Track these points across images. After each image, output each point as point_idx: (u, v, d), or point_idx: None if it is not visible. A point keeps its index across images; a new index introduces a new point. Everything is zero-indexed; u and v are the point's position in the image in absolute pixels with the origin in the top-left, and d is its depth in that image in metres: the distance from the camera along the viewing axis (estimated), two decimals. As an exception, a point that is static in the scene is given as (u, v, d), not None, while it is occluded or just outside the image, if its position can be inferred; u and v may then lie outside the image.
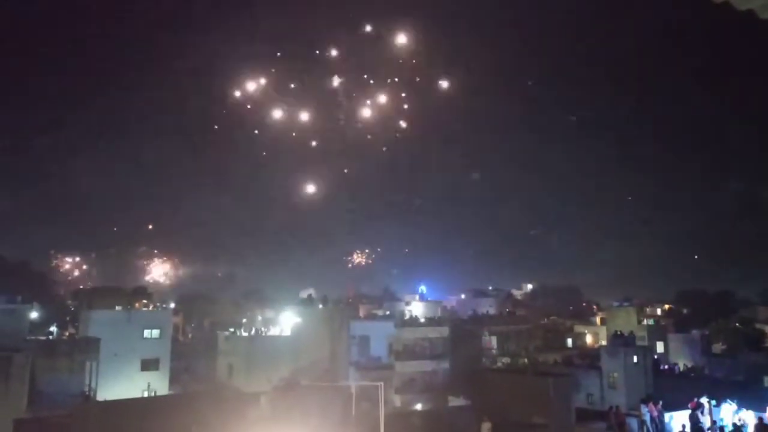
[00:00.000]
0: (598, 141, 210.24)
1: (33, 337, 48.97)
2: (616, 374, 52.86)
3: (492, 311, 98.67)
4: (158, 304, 69.27)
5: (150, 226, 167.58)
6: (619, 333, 59.82)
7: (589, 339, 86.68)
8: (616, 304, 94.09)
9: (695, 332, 75.21)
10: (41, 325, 55.74)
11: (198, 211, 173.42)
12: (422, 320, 68.41)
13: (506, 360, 65.87)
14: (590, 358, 61.77)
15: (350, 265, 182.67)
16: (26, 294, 52.06)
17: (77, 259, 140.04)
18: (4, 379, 41.45)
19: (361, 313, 65.59)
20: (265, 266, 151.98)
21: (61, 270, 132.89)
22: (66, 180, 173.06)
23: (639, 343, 61.21)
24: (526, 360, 66.48)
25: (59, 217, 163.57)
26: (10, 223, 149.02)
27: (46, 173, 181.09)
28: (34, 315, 52.20)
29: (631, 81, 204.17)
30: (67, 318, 66.96)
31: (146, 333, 52.75)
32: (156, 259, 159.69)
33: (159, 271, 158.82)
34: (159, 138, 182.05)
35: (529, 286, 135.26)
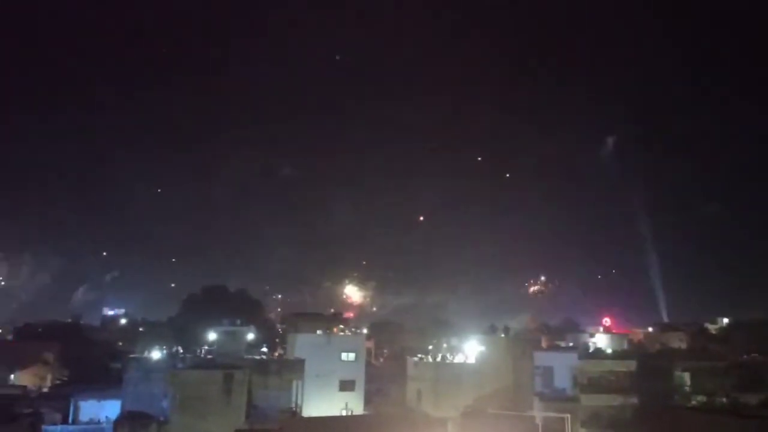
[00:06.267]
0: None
1: (249, 357, 55.28)
2: (832, 421, 48.29)
3: (683, 346, 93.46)
4: (353, 329, 74.33)
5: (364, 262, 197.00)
6: (835, 374, 54.49)
7: (797, 380, 78.84)
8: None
9: None
10: (255, 346, 62.44)
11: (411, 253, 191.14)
12: (608, 352, 66.93)
13: (701, 398, 62.33)
14: (800, 401, 56.67)
15: (531, 294, 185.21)
16: (244, 317, 58.84)
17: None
18: (227, 393, 47.53)
19: (543, 344, 65.53)
20: (463, 296, 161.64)
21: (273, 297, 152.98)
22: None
23: None
24: (725, 399, 62.39)
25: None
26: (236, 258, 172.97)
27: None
28: (250, 336, 58.80)
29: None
30: (276, 340, 73.96)
31: (343, 356, 57.17)
32: (359, 290, 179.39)
33: (358, 299, 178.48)
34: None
35: (725, 320, 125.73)
